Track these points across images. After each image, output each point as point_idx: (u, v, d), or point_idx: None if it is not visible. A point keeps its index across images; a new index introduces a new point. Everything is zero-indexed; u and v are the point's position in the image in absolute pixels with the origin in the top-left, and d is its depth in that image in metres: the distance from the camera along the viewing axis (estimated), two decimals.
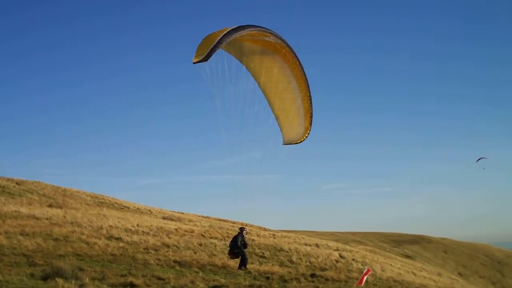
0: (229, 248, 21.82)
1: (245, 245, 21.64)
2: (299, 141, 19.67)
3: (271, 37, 16.83)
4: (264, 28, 16.55)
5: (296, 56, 17.77)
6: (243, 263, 21.66)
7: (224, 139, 17.88)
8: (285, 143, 19.94)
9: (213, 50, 15.04)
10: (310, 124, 19.07)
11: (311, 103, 18.73)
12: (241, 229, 22.00)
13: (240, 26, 15.86)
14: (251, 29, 16.12)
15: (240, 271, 21.16)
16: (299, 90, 18.45)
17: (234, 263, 22.67)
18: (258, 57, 17.55)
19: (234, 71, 16.88)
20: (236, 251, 21.42)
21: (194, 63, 15.13)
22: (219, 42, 15.18)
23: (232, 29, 15.62)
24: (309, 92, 18.52)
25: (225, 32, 15.45)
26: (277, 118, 19.20)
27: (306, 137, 19.41)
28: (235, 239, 21.51)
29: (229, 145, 18.09)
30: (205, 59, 14.96)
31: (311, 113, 18.85)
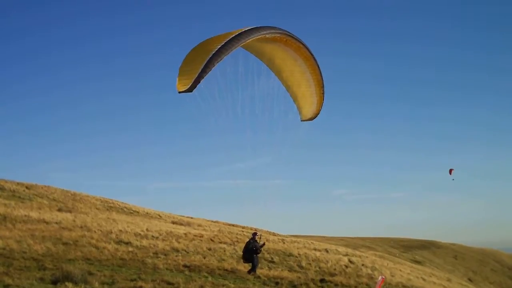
0: (242, 253, 21.94)
1: (255, 250, 21.56)
2: (315, 113, 19.79)
3: (268, 35, 16.68)
4: (257, 32, 16.12)
5: (299, 41, 17.74)
6: (252, 269, 21.62)
7: (235, 144, 17.91)
8: (303, 119, 20.09)
9: (197, 82, 14.48)
10: (323, 94, 19.24)
11: (321, 76, 18.82)
12: (253, 234, 21.95)
13: (230, 40, 15.18)
14: (244, 40, 15.56)
15: (249, 276, 21.13)
16: (306, 65, 18.51)
17: (243, 267, 22.65)
18: (259, 44, 17.38)
19: (242, 76, 16.85)
20: (247, 256, 21.45)
21: (180, 92, 14.56)
22: (204, 71, 14.56)
23: (221, 46, 14.97)
24: (318, 67, 18.60)
25: (213, 53, 14.77)
26: (288, 88, 19.26)
27: (321, 106, 19.56)
28: (247, 245, 21.56)
29: (240, 149, 18.12)
30: (190, 89, 14.43)
31: (322, 84, 19.00)
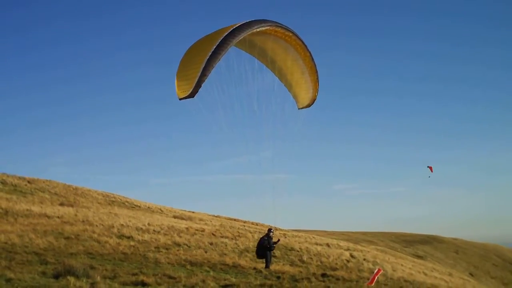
0: (256, 249, 22.03)
1: (269, 247, 21.54)
2: (312, 99, 19.79)
3: (258, 28, 16.68)
4: (248, 27, 16.04)
5: (289, 30, 17.78)
6: (266, 264, 21.68)
7: (235, 138, 17.87)
8: (300, 107, 20.07)
9: (198, 87, 14.48)
10: (317, 79, 19.30)
11: (314, 63, 18.87)
12: (268, 231, 21.88)
13: (224, 39, 15.21)
14: (238, 37, 15.63)
15: (252, 270, 21.15)
16: (297, 53, 18.59)
17: (245, 262, 22.68)
18: (249, 38, 17.40)
19: (236, 72, 16.83)
20: (261, 252, 21.52)
21: (181, 99, 14.55)
22: (204, 74, 14.57)
23: (217, 46, 15.01)
24: (310, 53, 18.65)
25: (209, 54, 14.79)
26: (282, 77, 19.33)
27: (317, 92, 19.58)
28: (261, 241, 21.65)
29: (241, 144, 18.09)
30: (192, 95, 14.46)
31: (316, 70, 19.14)
